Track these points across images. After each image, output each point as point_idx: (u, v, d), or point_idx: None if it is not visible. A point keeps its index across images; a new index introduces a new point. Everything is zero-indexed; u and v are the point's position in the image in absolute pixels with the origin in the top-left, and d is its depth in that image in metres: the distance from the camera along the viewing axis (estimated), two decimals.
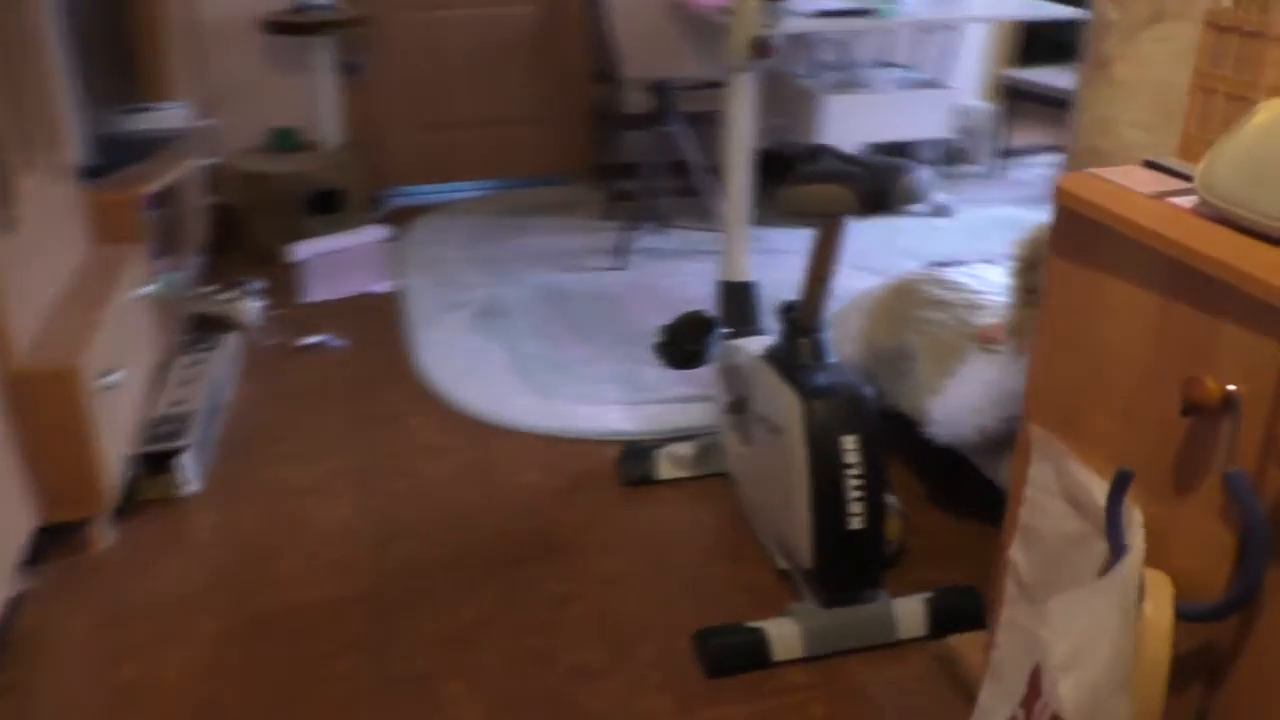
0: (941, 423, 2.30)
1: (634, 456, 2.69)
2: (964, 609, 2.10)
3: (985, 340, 2.38)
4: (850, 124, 4.29)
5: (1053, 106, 4.67)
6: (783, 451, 2.09)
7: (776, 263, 3.74)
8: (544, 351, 3.41)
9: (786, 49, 4.75)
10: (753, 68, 2.39)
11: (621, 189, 4.54)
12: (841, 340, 2.82)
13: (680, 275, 3.97)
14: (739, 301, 2.55)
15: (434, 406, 3.10)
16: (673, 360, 2.51)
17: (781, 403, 2.10)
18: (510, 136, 4.92)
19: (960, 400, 2.27)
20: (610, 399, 3.11)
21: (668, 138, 4.05)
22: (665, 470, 2.67)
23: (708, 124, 4.37)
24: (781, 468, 2.11)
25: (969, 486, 2.46)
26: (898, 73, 4.69)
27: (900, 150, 4.58)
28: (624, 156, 4.57)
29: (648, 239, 4.26)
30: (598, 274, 4.01)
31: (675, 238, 4.30)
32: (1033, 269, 2.01)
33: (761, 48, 2.31)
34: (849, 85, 4.44)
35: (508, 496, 2.64)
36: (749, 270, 2.56)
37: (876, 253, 4.13)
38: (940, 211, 4.52)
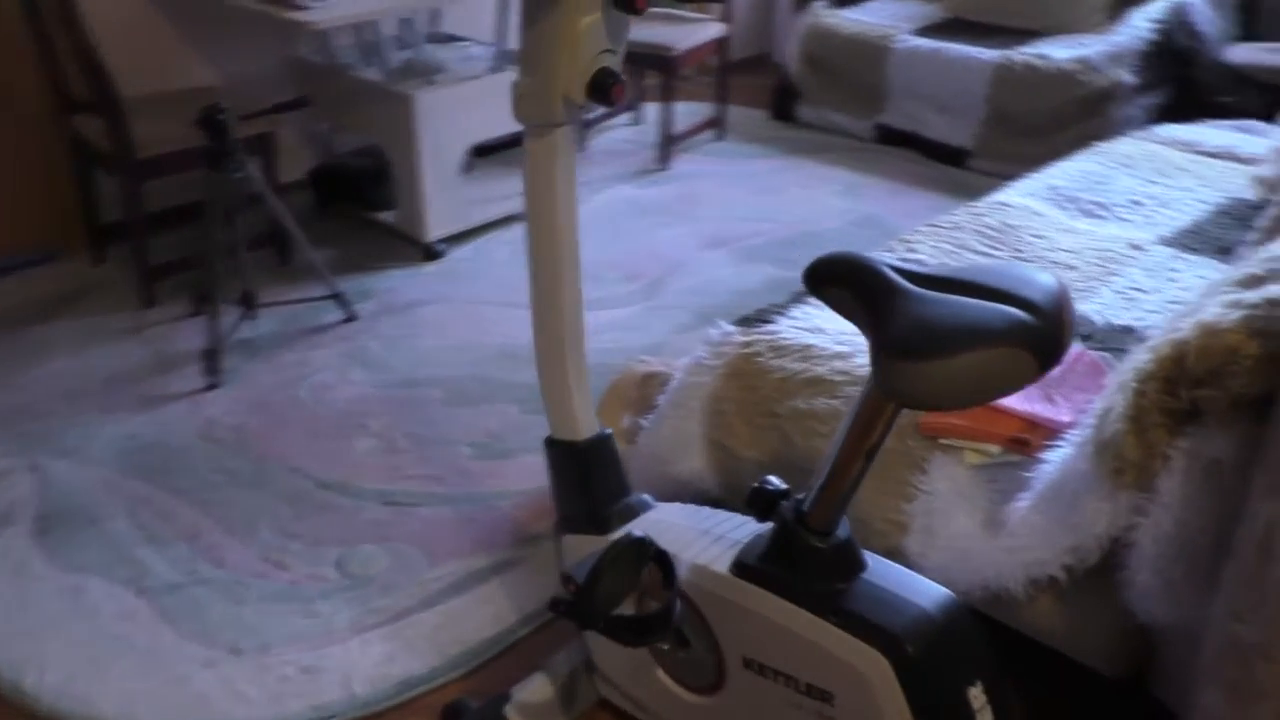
0: (940, 573, 1.64)
1: None
2: None
3: (935, 433, 1.75)
4: (451, 124, 3.38)
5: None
6: None
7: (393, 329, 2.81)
8: (178, 567, 2.18)
9: (338, 36, 3.64)
10: (574, 119, 1.47)
11: (159, 261, 3.19)
12: (671, 456, 2.03)
13: (311, 371, 2.85)
14: (594, 467, 1.66)
15: None
16: (603, 628, 1.49)
17: (836, 655, 1.30)
18: None
19: (961, 536, 1.63)
20: (341, 625, 2.03)
21: (225, 179, 2.82)
22: None
23: (264, 151, 3.20)
24: None
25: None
26: (473, 48, 3.81)
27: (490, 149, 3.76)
28: (138, 208, 3.20)
29: (237, 328, 3.04)
30: (191, 401, 2.74)
31: (272, 316, 3.12)
32: (1204, 382, 1.31)
33: (605, 88, 1.40)
34: (427, 73, 3.49)
35: None
36: (589, 415, 1.67)
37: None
38: None
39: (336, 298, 3.08)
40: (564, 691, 1.76)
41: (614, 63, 1.42)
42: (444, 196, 3.44)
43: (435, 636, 1.99)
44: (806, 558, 1.35)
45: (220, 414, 2.68)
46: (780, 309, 2.17)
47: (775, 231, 3.65)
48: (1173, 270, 2.29)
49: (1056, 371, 1.80)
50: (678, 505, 1.67)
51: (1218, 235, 2.44)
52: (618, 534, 1.61)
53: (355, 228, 3.68)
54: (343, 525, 2.29)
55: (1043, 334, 1.09)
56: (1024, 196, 2.66)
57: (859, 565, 1.35)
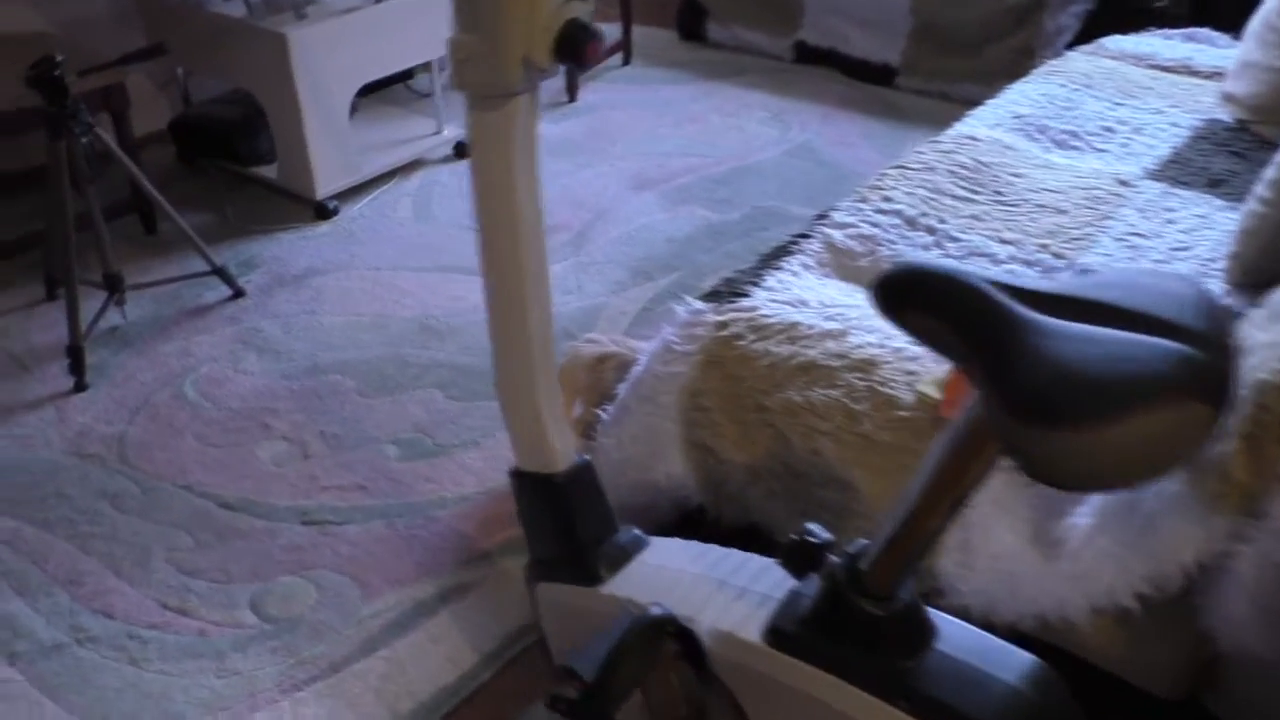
0: (982, 599, 1.42)
1: None
2: None
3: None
4: (332, 65, 2.95)
5: None
6: None
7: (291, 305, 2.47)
8: (56, 622, 1.83)
9: None
10: (534, 85, 1.15)
11: (1, 238, 2.73)
12: (643, 460, 1.76)
13: (197, 363, 2.46)
14: (576, 503, 1.37)
15: None
16: None
17: None
18: None
19: (1006, 557, 1.40)
20: (266, 683, 1.72)
21: (68, 144, 2.37)
22: None
23: (112, 105, 2.75)
24: None
25: None
26: None
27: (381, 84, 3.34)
28: None
29: (102, 314, 2.61)
30: (56, 408, 2.33)
31: (144, 299, 2.69)
32: None
33: (576, 45, 1.08)
34: (298, 5, 3.03)
35: None
36: (565, 440, 1.37)
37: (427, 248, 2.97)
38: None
39: (219, 272, 2.68)
40: None
41: (584, 11, 1.09)
42: (332, 147, 3.04)
43: (382, 690, 1.69)
44: (864, 627, 1.10)
45: (92, 422, 2.29)
46: (752, 278, 1.89)
47: (704, 168, 3.35)
48: (1168, 210, 2.08)
49: None
50: (677, 544, 1.40)
51: (1204, 165, 2.25)
52: (610, 585, 1.34)
53: (228, 185, 3.24)
54: (255, 554, 1.96)
55: (1213, 372, 0.83)
56: (991, 128, 2.42)
57: (929, 634, 1.10)
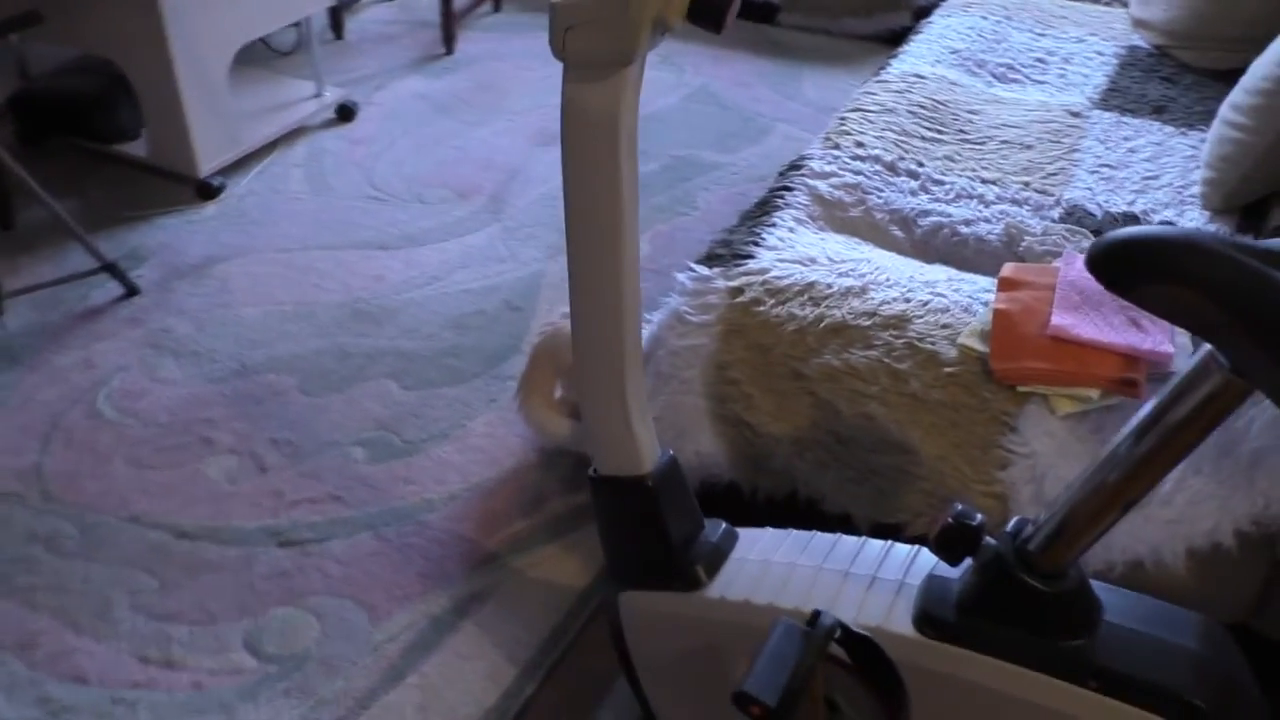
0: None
1: None
2: None
3: (1015, 380, 1.49)
4: (211, 25, 2.64)
5: None
6: None
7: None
8: (19, 697, 1.59)
9: None
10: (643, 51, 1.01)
11: None
12: (669, 440, 1.66)
13: (105, 374, 2.18)
14: (666, 504, 1.26)
15: None
16: None
17: None
18: None
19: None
20: None
21: None
22: None
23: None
24: None
25: None
26: None
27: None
28: None
29: None
30: None
31: (19, 305, 2.36)
32: None
33: (716, 3, 0.95)
34: None
35: None
36: (652, 438, 1.26)
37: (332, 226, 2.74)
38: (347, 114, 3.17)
39: (109, 268, 2.38)
40: None
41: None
42: (212, 118, 2.74)
43: None
44: (1037, 607, 1.05)
45: None
46: (749, 237, 1.80)
47: None
48: (1125, 139, 2.12)
49: None
50: (769, 533, 1.31)
51: (1140, 92, 2.30)
52: (715, 588, 1.25)
53: (88, 167, 2.88)
54: (234, 587, 1.76)
55: None
56: (932, 65, 2.39)
57: (1098, 608, 1.07)
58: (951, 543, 1.09)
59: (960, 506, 1.10)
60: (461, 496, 1.93)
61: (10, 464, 1.98)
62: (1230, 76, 2.37)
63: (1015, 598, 1.06)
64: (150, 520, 1.88)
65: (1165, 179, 1.98)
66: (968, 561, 1.10)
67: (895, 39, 3.64)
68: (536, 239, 2.65)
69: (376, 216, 2.73)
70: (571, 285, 1.15)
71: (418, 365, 2.23)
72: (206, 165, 2.75)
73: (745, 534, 1.33)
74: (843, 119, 2.17)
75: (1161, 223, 1.85)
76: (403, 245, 2.62)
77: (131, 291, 2.42)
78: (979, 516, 1.09)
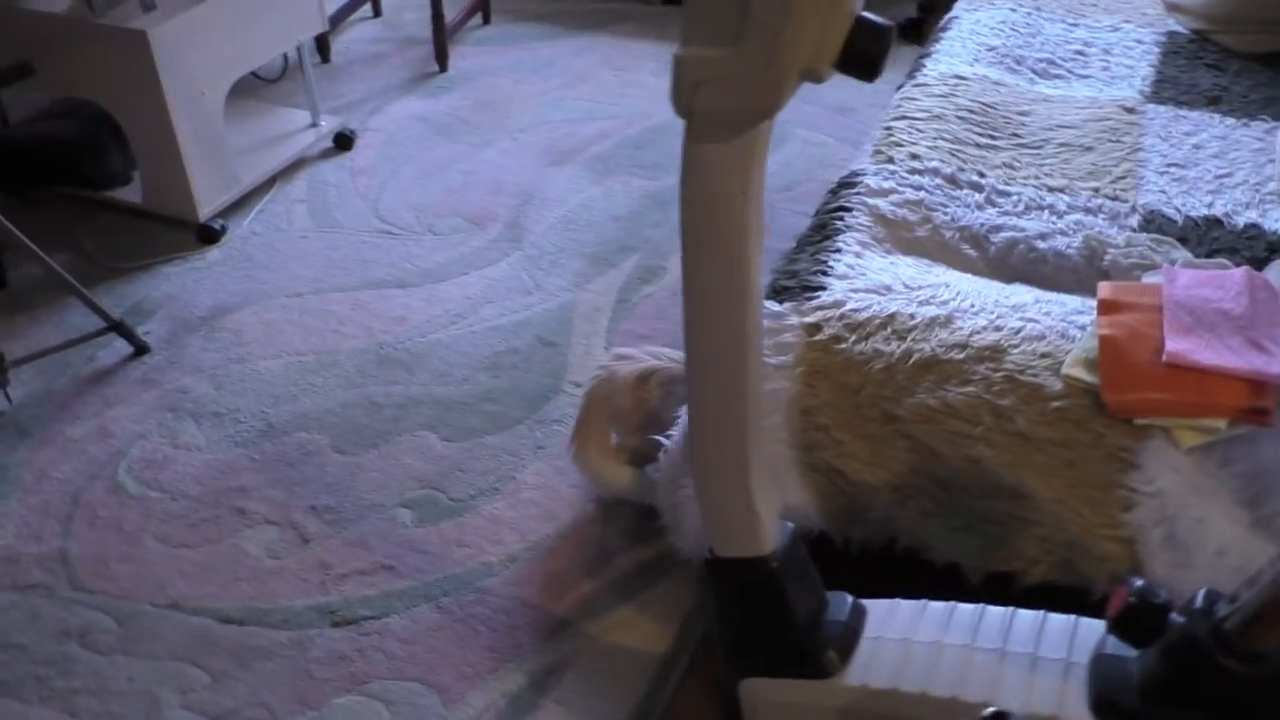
0: None
1: None
2: None
3: (1132, 413, 1.39)
4: (203, 62, 2.50)
5: None
6: None
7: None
8: None
9: None
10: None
11: None
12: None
13: (123, 444, 2.04)
14: (791, 585, 1.15)
15: None
16: None
17: None
18: None
19: (1232, 549, 1.29)
20: None
21: None
22: None
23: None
24: None
25: None
26: None
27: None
28: None
29: None
30: None
31: (23, 374, 2.22)
32: None
33: (869, 56, 0.84)
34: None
35: None
36: (775, 516, 1.14)
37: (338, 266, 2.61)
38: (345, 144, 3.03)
39: (117, 327, 2.24)
40: None
41: (863, 9, 0.86)
42: (209, 158, 2.60)
43: None
44: (1235, 693, 0.95)
45: (15, 542, 1.87)
46: (816, 266, 1.69)
47: (617, 131, 3.09)
48: (1187, 135, 2.03)
49: (1237, 306, 1.48)
50: (901, 606, 1.21)
51: (1191, 82, 2.21)
52: (851, 673, 1.14)
53: (79, 216, 2.73)
54: (291, 676, 1.63)
55: None
56: (970, 64, 2.29)
57: None
58: (1136, 624, 0.99)
59: (1140, 582, 1.00)
60: (521, 558, 1.81)
61: (32, 550, 1.85)
62: (1272, 59, 2.31)
63: (1210, 683, 0.96)
64: (191, 605, 1.75)
65: (1239, 176, 1.89)
66: None
67: (903, 31, 3.56)
68: (561, 267, 2.53)
69: (389, 252, 2.60)
70: (690, 360, 1.04)
71: (455, 413, 2.10)
72: (206, 208, 2.61)
73: (874, 607, 1.23)
74: (888, 128, 2.06)
75: (1246, 225, 1.76)
76: (421, 282, 2.49)
77: (141, 350, 2.28)
78: (1163, 594, 0.99)
